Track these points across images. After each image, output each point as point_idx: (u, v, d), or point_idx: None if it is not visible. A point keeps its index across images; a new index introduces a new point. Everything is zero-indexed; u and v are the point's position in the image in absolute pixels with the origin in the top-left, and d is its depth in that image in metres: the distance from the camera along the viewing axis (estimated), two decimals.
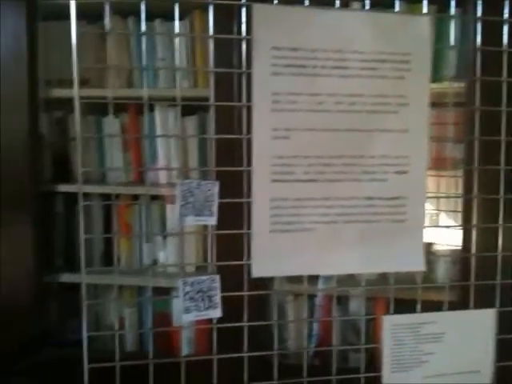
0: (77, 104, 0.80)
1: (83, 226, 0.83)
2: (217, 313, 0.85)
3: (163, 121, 1.33)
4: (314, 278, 1.23)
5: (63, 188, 1.33)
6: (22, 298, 1.30)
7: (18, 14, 1.24)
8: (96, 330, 1.31)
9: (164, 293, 1.26)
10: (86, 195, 1.31)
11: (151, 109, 1.33)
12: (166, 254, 1.35)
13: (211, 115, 0.95)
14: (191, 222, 0.83)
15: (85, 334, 0.84)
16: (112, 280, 0.96)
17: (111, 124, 1.34)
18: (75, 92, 0.80)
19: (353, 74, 0.84)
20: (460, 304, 1.00)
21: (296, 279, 0.95)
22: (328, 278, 1.19)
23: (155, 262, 1.37)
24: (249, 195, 0.84)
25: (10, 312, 1.30)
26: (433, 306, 0.94)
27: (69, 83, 1.31)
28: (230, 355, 0.88)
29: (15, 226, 1.28)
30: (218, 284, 0.84)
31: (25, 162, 1.27)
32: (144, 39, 0.88)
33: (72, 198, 1.35)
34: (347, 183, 0.86)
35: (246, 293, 0.88)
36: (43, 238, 1.32)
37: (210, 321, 0.89)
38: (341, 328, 1.30)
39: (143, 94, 0.85)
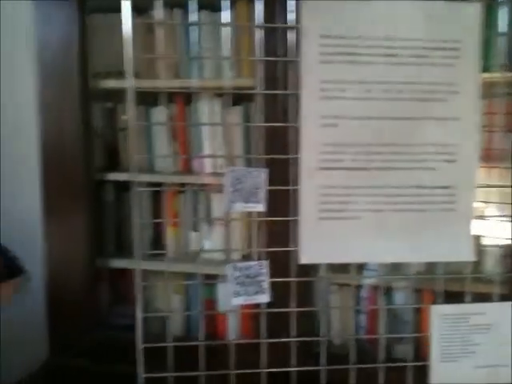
0: (130, 94, 0.82)
1: (137, 212, 0.85)
2: (265, 298, 0.86)
3: (210, 111, 1.34)
4: (359, 269, 1.22)
5: (114, 176, 1.37)
6: (76, 283, 1.35)
7: (69, 8, 1.28)
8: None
9: (210, 280, 1.28)
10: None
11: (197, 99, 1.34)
12: (212, 242, 1.37)
13: (256, 105, 0.96)
14: (240, 208, 0.84)
15: (140, 315, 0.86)
16: (162, 266, 0.98)
17: (160, 114, 1.36)
18: (129, 82, 0.81)
19: (401, 61, 0.83)
20: (510, 297, 0.98)
21: (341, 269, 0.95)
22: (374, 270, 1.18)
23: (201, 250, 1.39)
24: (295, 183, 0.85)
25: (66, 296, 1.35)
26: (481, 299, 0.92)
27: (116, 75, 1.35)
28: (279, 340, 0.89)
29: (69, 214, 1.33)
30: (266, 270, 0.85)
31: (78, 152, 1.31)
32: (196, 30, 0.89)
33: (119, 186, 1.38)
34: (395, 171, 0.85)
35: (293, 279, 0.89)
36: (95, 225, 1.37)
37: (255, 307, 0.90)
38: (388, 321, 1.29)
39: (192, 85, 0.87)
